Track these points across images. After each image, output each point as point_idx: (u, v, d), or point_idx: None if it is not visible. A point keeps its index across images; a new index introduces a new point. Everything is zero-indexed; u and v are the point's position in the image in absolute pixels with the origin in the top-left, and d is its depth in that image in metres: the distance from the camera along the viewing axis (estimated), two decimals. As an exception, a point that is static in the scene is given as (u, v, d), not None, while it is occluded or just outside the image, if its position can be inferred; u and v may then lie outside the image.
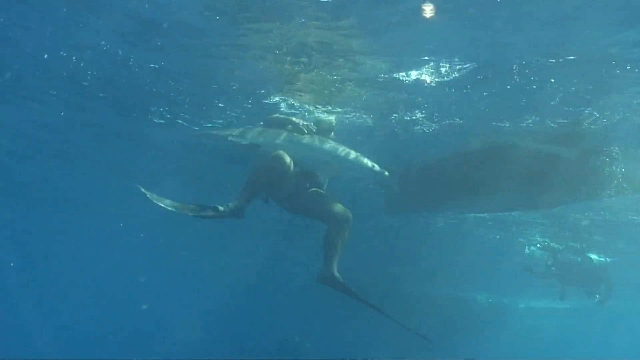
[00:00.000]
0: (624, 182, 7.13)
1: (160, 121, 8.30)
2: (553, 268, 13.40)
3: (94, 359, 25.43)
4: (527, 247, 14.59)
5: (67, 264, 25.37)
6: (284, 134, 5.83)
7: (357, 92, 6.72)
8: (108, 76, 7.03)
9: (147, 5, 5.36)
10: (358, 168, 6.18)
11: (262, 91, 6.92)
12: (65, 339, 29.59)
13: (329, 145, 6.05)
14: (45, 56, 6.56)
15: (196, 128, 8.23)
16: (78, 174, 12.32)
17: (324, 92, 6.79)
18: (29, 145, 10.69)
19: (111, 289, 29.51)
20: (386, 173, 6.37)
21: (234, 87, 6.93)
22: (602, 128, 6.67)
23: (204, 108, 7.74)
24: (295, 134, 5.89)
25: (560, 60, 5.58)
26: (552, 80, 5.96)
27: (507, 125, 7.08)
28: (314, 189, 5.64)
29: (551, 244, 13.95)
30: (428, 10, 4.89)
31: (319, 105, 7.05)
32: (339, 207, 5.38)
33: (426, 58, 5.86)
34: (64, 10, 5.57)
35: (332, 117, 6.96)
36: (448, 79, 6.19)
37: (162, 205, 4.43)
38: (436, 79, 6.24)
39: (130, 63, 6.49)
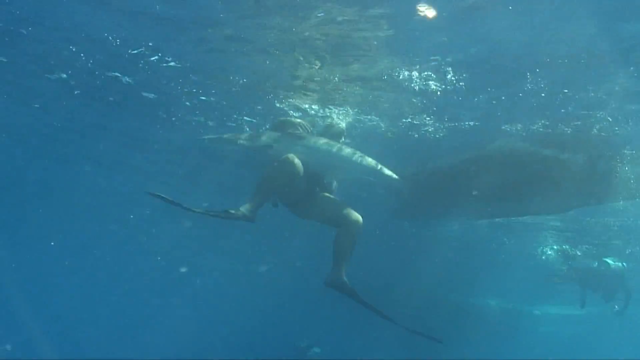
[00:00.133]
0: (637, 185, 7.15)
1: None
2: (571, 271, 13.40)
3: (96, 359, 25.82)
4: (541, 248, 14.56)
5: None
6: (294, 138, 5.90)
7: (368, 93, 6.80)
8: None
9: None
10: (369, 171, 6.18)
11: (270, 96, 7.05)
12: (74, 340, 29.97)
13: (339, 148, 6.09)
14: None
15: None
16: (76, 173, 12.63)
17: (336, 93, 6.89)
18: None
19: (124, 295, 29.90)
20: (396, 177, 6.39)
21: (237, 87, 7.04)
22: (613, 133, 6.75)
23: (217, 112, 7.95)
24: (306, 137, 5.98)
25: (573, 62, 5.67)
26: (563, 82, 6.07)
27: (518, 128, 7.19)
28: (324, 192, 5.72)
29: (565, 247, 13.95)
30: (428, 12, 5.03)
31: (332, 106, 7.15)
32: (349, 212, 5.38)
33: (437, 58, 5.95)
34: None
35: (343, 123, 7.04)
36: (458, 81, 6.32)
37: (176, 204, 4.48)
38: (445, 82, 6.36)
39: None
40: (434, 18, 5.20)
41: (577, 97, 6.33)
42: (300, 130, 6.01)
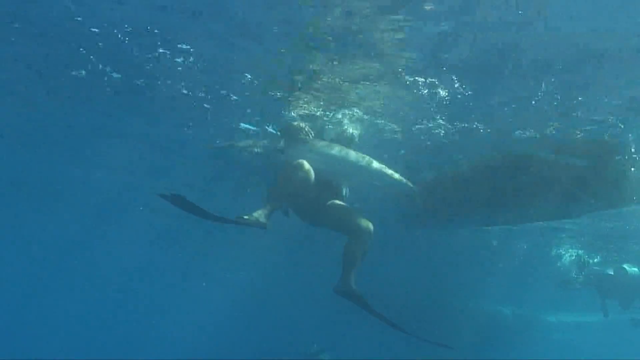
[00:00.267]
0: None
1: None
2: (588, 278, 13.38)
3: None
4: (556, 250, 14.53)
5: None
6: (306, 143, 6.04)
7: (378, 96, 6.84)
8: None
9: None
10: (379, 177, 6.22)
11: (279, 94, 7.05)
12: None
13: (352, 154, 6.18)
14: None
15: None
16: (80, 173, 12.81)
17: (345, 96, 6.91)
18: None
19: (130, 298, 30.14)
20: (409, 183, 6.43)
21: (251, 87, 7.08)
22: (625, 138, 6.84)
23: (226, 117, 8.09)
24: (317, 142, 6.10)
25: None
26: (578, 88, 6.16)
27: (531, 133, 7.28)
28: (334, 199, 5.85)
29: (580, 253, 13.94)
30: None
31: (346, 109, 7.20)
32: (360, 219, 5.49)
33: (447, 63, 6.00)
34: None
35: (353, 129, 7.14)
36: (466, 87, 6.43)
37: (194, 210, 4.57)
38: (454, 88, 6.46)
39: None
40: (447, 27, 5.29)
41: (589, 101, 6.43)
42: (305, 135, 6.12)
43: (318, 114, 7.33)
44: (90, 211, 15.80)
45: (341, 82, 6.60)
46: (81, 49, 6.61)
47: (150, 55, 6.53)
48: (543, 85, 6.16)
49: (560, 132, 7.09)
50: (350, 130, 7.06)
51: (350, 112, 7.23)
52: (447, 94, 6.56)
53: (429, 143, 7.96)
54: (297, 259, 17.12)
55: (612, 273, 13.24)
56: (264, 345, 20.06)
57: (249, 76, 6.75)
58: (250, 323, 22.87)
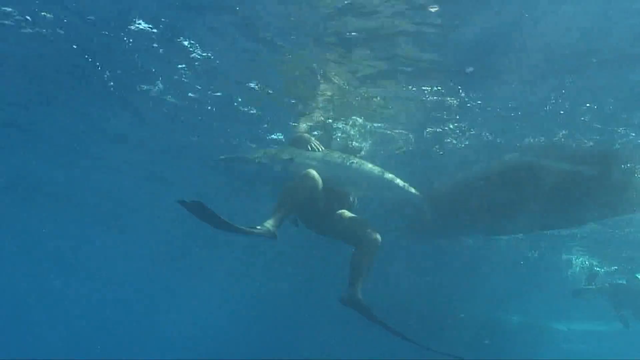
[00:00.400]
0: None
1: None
2: (606, 285, 13.37)
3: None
4: (567, 257, 14.54)
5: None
6: (314, 153, 6.13)
7: (386, 104, 6.94)
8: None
9: None
10: (387, 187, 6.29)
11: (292, 101, 7.12)
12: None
13: (361, 164, 6.26)
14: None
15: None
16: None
17: (355, 104, 7.00)
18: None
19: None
20: (418, 193, 6.48)
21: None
22: (635, 146, 6.92)
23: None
24: (328, 152, 6.18)
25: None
26: (587, 97, 6.26)
27: (541, 140, 7.37)
28: (342, 209, 5.91)
29: (590, 263, 13.95)
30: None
31: (349, 118, 7.27)
32: (368, 229, 5.54)
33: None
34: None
35: (361, 139, 7.21)
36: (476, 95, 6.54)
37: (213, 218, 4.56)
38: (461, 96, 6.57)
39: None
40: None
41: (600, 109, 6.52)
42: (315, 147, 6.22)
43: (327, 123, 7.41)
44: (93, 212, 15.93)
45: (351, 89, 6.69)
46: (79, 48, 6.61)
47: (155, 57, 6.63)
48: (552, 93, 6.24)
49: (567, 137, 7.16)
50: (357, 139, 7.14)
51: (360, 121, 7.33)
52: (457, 102, 6.65)
53: (441, 153, 8.04)
54: (301, 269, 17.21)
55: (625, 283, 13.25)
56: (266, 355, 20.14)
57: (255, 86, 6.82)
58: (253, 328, 22.96)
